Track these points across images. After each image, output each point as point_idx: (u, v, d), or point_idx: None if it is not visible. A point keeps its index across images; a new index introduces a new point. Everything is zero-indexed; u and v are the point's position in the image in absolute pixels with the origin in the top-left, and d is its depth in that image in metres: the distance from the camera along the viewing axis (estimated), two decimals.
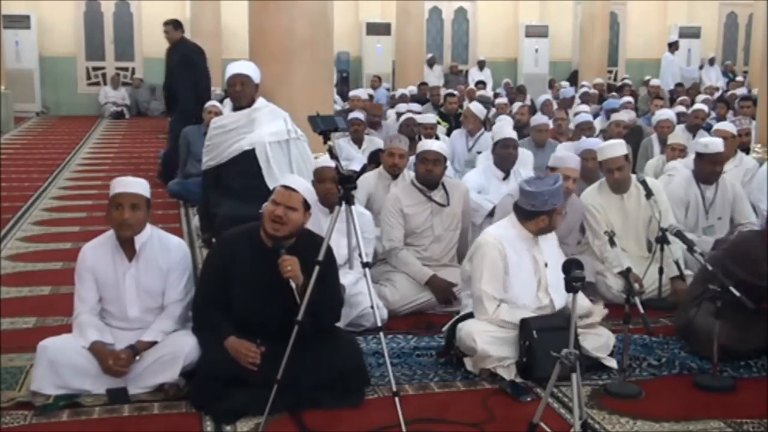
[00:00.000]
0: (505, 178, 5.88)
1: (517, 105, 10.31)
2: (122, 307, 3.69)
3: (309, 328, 3.40)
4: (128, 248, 3.69)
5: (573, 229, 5.14)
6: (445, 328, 4.18)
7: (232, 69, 4.86)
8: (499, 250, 3.93)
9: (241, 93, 4.86)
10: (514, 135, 6.01)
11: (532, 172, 5.97)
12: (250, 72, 4.88)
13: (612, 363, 3.96)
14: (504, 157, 5.88)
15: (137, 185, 3.68)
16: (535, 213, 3.91)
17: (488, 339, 3.83)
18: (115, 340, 3.61)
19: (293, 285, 3.46)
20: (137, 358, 3.56)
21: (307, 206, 3.65)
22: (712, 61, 17.64)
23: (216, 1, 15.22)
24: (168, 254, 3.74)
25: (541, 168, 6.47)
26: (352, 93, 11.22)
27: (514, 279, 3.96)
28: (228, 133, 4.92)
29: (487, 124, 8.43)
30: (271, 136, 4.87)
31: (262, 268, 3.56)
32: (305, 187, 3.69)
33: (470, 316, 4.03)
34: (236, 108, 4.98)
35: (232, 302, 3.64)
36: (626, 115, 8.24)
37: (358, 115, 7.94)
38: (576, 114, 9.02)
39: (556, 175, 4.13)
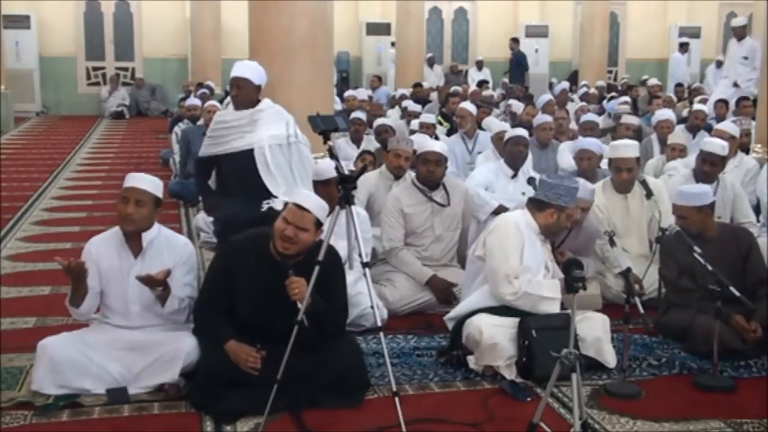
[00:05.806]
0: (513, 176, 5.88)
1: (519, 105, 10.28)
2: (125, 302, 3.69)
3: (312, 336, 3.40)
4: (135, 245, 3.70)
5: (583, 248, 5.12)
6: (450, 326, 4.15)
7: (233, 71, 4.83)
8: (518, 229, 3.98)
9: (238, 96, 4.81)
10: (525, 133, 6.05)
11: (534, 173, 5.96)
12: (249, 74, 4.79)
13: (611, 357, 3.96)
14: (515, 154, 5.88)
15: (147, 182, 3.67)
16: (545, 204, 3.97)
17: (495, 330, 3.84)
18: (113, 338, 3.63)
19: (300, 306, 3.40)
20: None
21: (318, 225, 3.56)
22: (719, 64, 17.58)
23: (216, 1, 15.24)
24: (174, 252, 3.74)
25: (544, 169, 6.47)
26: (347, 93, 11.12)
27: (526, 263, 3.99)
28: (229, 129, 4.87)
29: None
30: (270, 139, 4.80)
31: (268, 275, 3.54)
32: (318, 206, 3.57)
33: (474, 314, 4.03)
34: (237, 109, 4.91)
35: (236, 306, 3.63)
36: (635, 119, 8.44)
37: (360, 114, 7.93)
38: (582, 113, 9.13)
39: (577, 179, 4.25)
